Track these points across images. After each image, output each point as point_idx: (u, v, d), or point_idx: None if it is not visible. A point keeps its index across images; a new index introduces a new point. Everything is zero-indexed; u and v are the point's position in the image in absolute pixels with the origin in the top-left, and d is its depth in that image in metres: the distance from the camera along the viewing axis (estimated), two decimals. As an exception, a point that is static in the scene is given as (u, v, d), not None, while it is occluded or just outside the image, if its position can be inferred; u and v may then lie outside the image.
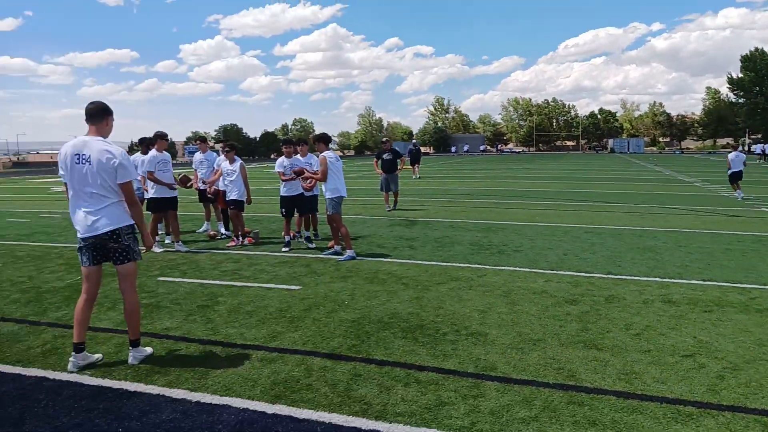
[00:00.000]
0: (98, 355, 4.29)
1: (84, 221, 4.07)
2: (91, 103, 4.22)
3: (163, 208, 8.82)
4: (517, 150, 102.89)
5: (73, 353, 4.12)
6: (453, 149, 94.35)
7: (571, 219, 11.85)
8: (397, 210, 13.77)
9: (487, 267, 7.24)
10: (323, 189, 8.12)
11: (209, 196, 9.95)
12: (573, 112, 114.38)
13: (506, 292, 6.02)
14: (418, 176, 26.33)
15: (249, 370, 4.06)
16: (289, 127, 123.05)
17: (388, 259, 7.79)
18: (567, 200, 16.09)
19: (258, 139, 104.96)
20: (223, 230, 10.21)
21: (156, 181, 8.64)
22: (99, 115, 4.18)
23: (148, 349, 4.38)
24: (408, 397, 3.60)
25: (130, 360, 4.21)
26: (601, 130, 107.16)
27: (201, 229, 10.61)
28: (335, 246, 8.16)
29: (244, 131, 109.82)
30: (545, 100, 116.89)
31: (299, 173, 8.46)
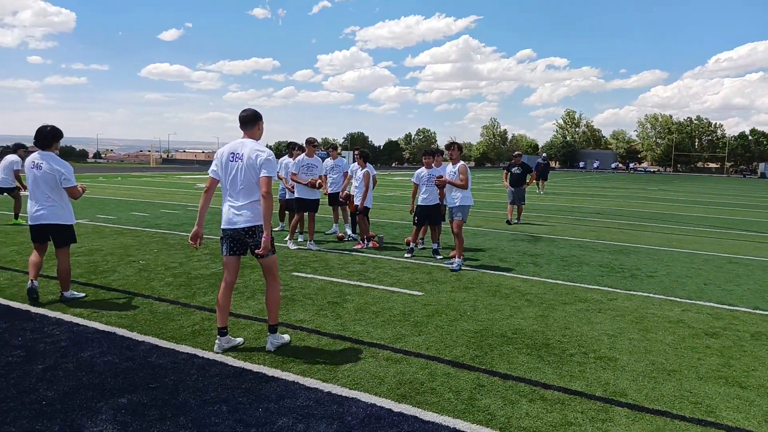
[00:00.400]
0: (240, 339, 4.68)
1: (227, 214, 4.49)
2: (244, 110, 4.64)
3: (305, 208, 9.38)
4: (652, 169, 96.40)
5: (218, 336, 4.53)
6: (581, 165, 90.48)
7: (713, 247, 10.96)
8: (520, 224, 13.53)
9: (618, 291, 6.92)
10: (448, 197, 8.21)
11: (341, 199, 10.42)
12: (719, 132, 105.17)
13: (638, 318, 5.73)
14: (543, 192, 25.44)
15: (375, 367, 4.23)
16: (413, 136, 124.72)
17: (511, 274, 7.70)
18: (708, 226, 14.87)
19: (382, 147, 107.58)
20: (350, 232, 10.65)
21: (297, 182, 9.24)
22: (252, 121, 4.60)
23: (286, 337, 4.72)
24: (533, 413, 3.57)
25: (267, 346, 4.55)
26: (751, 152, 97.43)
27: (330, 231, 11.13)
28: (460, 258, 8.06)
29: (369, 139, 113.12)
30: (688, 117, 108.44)
31: (441, 184, 8.54)
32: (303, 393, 3.77)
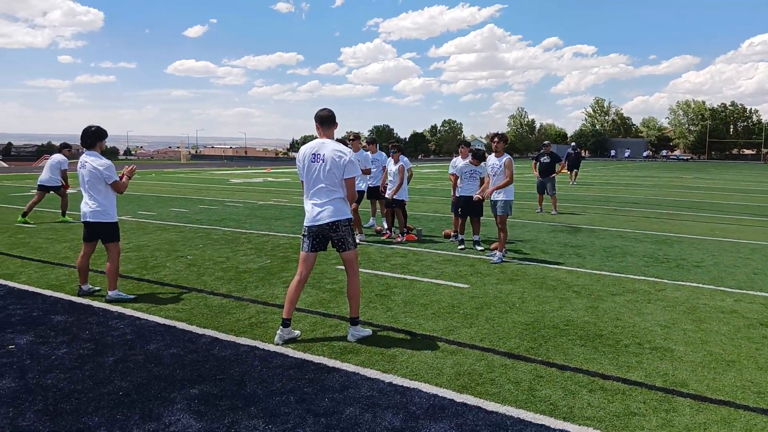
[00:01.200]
0: (298, 332, 4.80)
1: (311, 212, 4.64)
2: (323, 109, 4.80)
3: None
4: (685, 157, 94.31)
5: (280, 327, 4.66)
6: (612, 154, 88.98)
7: (758, 236, 10.75)
8: (558, 216, 13.46)
9: (666, 281, 6.87)
10: (490, 192, 8.20)
11: (381, 193, 10.48)
12: (755, 118, 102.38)
13: (690, 309, 5.69)
14: (575, 183, 24.84)
15: (432, 358, 4.30)
16: (438, 128, 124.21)
17: (555, 266, 7.69)
18: (750, 215, 14.57)
19: (407, 139, 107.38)
20: (386, 226, 10.72)
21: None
22: (329, 121, 4.77)
23: (368, 330, 4.83)
24: (594, 402, 3.60)
25: (349, 337, 4.69)
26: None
27: (368, 224, 11.22)
28: (501, 251, 8.07)
29: (394, 132, 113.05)
30: (722, 103, 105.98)
31: (482, 199, 8.54)
32: (365, 383, 3.87)
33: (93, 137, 5.89)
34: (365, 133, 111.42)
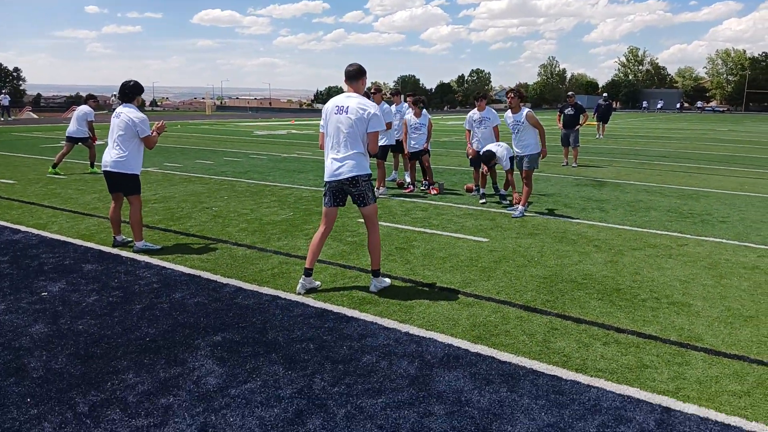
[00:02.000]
0: (318, 282, 4.91)
1: (330, 167, 4.70)
2: (350, 65, 4.79)
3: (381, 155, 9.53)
4: (721, 108, 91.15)
5: (302, 276, 4.79)
6: (644, 105, 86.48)
7: (791, 190, 10.47)
8: (582, 168, 13.29)
9: (689, 236, 6.80)
10: (515, 145, 8.11)
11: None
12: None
13: (711, 264, 5.65)
14: (602, 136, 24.09)
15: (449, 310, 4.38)
16: (466, 78, 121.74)
17: (577, 220, 7.65)
18: (784, 169, 14.15)
19: (433, 90, 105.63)
20: (408, 179, 10.72)
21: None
22: (357, 76, 4.76)
23: (387, 281, 4.93)
24: (608, 355, 3.65)
25: (371, 287, 4.79)
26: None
27: (389, 178, 11.22)
28: (523, 206, 7.93)
29: (421, 82, 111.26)
30: (763, 52, 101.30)
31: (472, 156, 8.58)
32: (382, 333, 3.97)
33: (132, 91, 5.99)
34: (390, 84, 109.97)
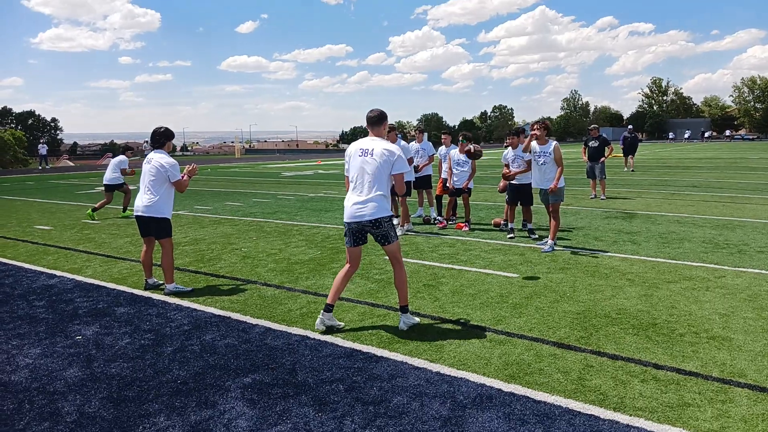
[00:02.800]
0: (342, 323, 4.88)
1: (351, 208, 4.74)
2: (371, 111, 4.90)
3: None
4: (750, 136, 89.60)
5: (322, 311, 4.79)
6: (671, 136, 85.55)
7: (830, 218, 10.15)
8: (611, 201, 13.12)
9: (726, 268, 6.61)
10: (538, 178, 8.05)
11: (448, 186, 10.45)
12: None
13: (752, 296, 5.47)
14: (632, 168, 23.58)
15: (480, 348, 4.31)
16: (488, 114, 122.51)
17: (609, 254, 7.51)
18: (822, 196, 13.75)
19: (456, 126, 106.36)
20: (434, 215, 10.72)
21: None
22: (379, 121, 4.86)
23: (417, 319, 4.90)
24: (646, 393, 3.53)
25: (400, 325, 4.76)
26: None
27: (415, 214, 11.24)
28: (552, 240, 7.86)
29: (444, 120, 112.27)
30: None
31: (508, 177, 8.55)
32: (413, 373, 3.91)
33: (162, 137, 6.16)
34: (413, 122, 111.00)
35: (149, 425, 3.28)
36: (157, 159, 6.02)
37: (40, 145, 39.62)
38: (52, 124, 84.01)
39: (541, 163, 7.92)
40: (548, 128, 8.02)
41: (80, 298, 5.90)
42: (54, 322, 5.15)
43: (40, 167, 37.49)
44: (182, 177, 6.14)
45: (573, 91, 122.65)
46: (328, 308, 4.78)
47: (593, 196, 13.88)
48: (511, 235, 8.75)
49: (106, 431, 3.22)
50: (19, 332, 4.91)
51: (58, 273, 7.05)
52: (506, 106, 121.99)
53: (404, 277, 4.82)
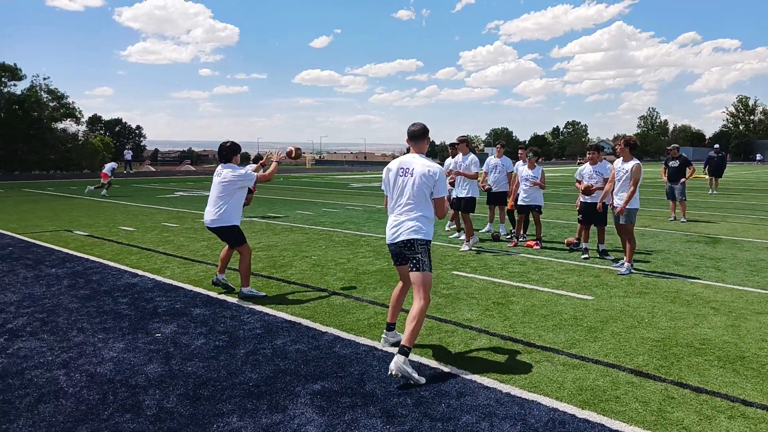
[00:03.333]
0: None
1: (389, 230, 4.51)
2: (413, 125, 4.64)
3: (459, 207, 9.49)
4: None
5: (385, 330, 4.77)
6: (759, 158, 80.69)
7: None
8: (692, 224, 12.48)
9: (823, 301, 6.13)
10: (615, 196, 7.75)
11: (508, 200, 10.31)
12: None
13: None
14: (716, 191, 22.24)
15: (552, 372, 4.17)
16: (561, 129, 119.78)
17: (691, 280, 7.13)
18: None
19: (527, 142, 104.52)
20: (503, 231, 10.54)
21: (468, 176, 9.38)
22: (422, 136, 4.59)
23: (414, 375, 3.99)
24: (734, 431, 3.30)
25: (390, 366, 3.96)
26: None
27: (484, 230, 11.09)
28: (629, 262, 7.52)
29: (513, 135, 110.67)
30: None
31: (587, 191, 8.36)
32: (482, 392, 3.84)
33: (230, 152, 6.31)
34: (482, 136, 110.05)
35: (223, 425, 3.37)
36: (226, 172, 6.15)
37: (125, 151, 42.04)
38: (137, 131, 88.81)
39: (619, 180, 7.64)
40: (631, 144, 7.62)
41: (160, 298, 6.17)
42: (136, 319, 5.41)
43: (125, 171, 39.73)
44: (261, 171, 6.43)
45: (650, 109, 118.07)
46: (390, 327, 4.73)
47: (672, 219, 13.28)
48: (586, 255, 8.48)
49: (183, 427, 3.33)
50: (104, 326, 5.19)
51: (140, 272, 7.41)
52: (579, 122, 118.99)
53: (419, 314, 4.17)
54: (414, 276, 4.34)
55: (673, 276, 7.32)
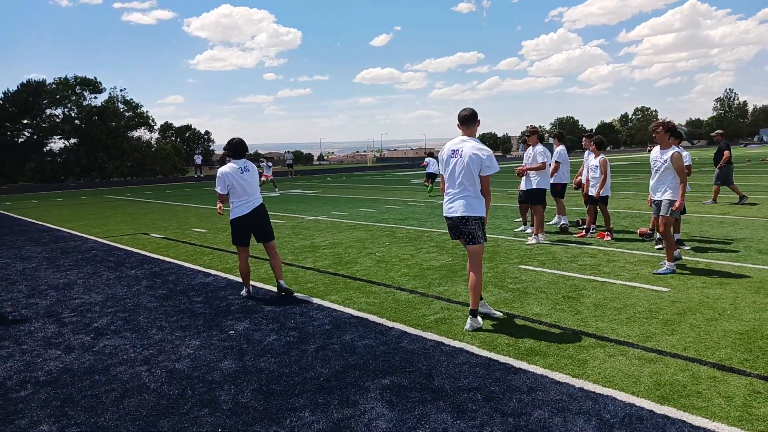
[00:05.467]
0: (499, 313, 5.22)
1: (446, 205, 5.06)
2: (464, 109, 5.06)
3: (527, 200, 9.33)
4: None
5: (469, 316, 4.95)
6: None
7: None
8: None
9: None
10: (654, 187, 7.12)
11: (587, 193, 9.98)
12: None
13: None
14: None
15: (627, 366, 4.03)
16: (629, 116, 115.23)
17: (777, 268, 6.71)
18: None
19: (594, 130, 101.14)
20: (564, 222, 10.22)
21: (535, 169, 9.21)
22: (472, 120, 5.03)
23: (481, 322, 4.95)
24: (832, 429, 3.09)
25: (466, 326, 4.91)
26: None
27: (553, 221, 10.82)
28: (672, 262, 6.73)
29: (579, 123, 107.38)
30: None
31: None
32: (554, 387, 3.76)
33: (242, 149, 6.33)
34: (546, 126, 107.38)
35: (296, 419, 3.45)
36: (252, 164, 6.42)
37: (195, 156, 43.70)
38: (206, 136, 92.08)
39: (656, 171, 6.98)
40: (671, 130, 6.89)
41: (232, 296, 6.39)
42: (210, 317, 5.62)
43: (195, 175, 41.33)
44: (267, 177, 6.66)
45: (728, 90, 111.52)
46: (473, 312, 4.95)
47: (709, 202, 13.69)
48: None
49: (258, 421, 3.44)
50: (181, 324, 5.43)
51: (213, 272, 7.69)
52: (649, 108, 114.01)
53: (477, 281, 4.90)
54: (469, 248, 4.99)
55: (757, 264, 6.91)
